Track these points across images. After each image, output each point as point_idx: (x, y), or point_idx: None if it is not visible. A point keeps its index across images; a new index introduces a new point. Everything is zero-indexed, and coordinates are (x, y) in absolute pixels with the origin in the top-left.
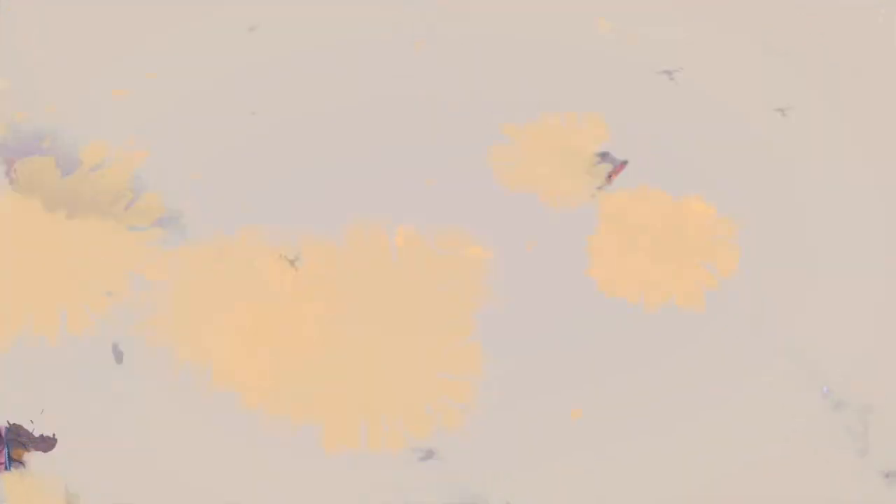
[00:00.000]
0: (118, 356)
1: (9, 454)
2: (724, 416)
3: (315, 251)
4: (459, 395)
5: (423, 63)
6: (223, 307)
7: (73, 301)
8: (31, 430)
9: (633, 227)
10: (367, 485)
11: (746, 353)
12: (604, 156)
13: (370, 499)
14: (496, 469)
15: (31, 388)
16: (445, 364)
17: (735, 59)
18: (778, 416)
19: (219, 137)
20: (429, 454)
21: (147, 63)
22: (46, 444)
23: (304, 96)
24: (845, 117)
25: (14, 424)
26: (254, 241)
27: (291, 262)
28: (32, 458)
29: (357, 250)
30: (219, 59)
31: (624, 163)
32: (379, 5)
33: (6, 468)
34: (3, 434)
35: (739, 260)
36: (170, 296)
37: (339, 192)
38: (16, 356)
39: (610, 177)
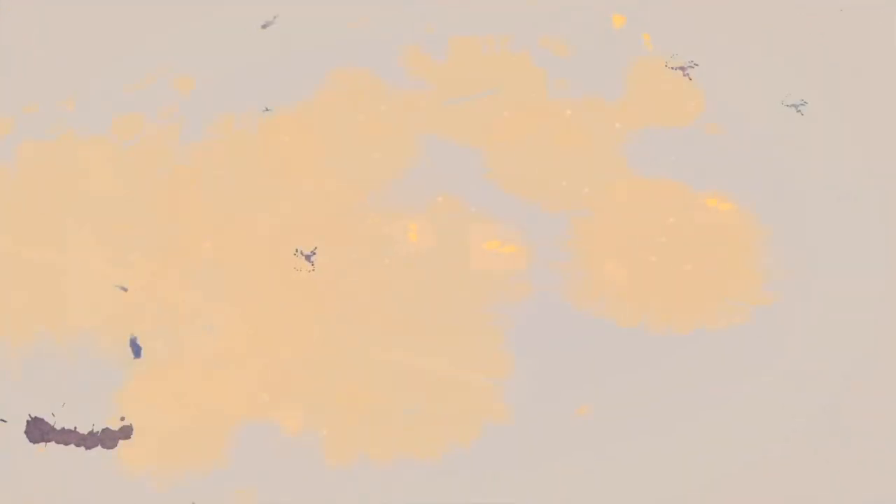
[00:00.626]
0: (136, 351)
1: None
2: (724, 416)
3: (329, 247)
4: (484, 400)
5: (425, 62)
6: (237, 303)
7: (86, 296)
8: (53, 423)
9: (647, 222)
10: (367, 484)
11: (746, 353)
12: None
13: (370, 498)
14: (497, 469)
15: (51, 383)
16: (468, 366)
17: (736, 58)
18: (778, 416)
19: (230, 134)
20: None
21: (156, 61)
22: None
23: (312, 94)
24: (845, 117)
25: (36, 418)
26: (269, 238)
27: (307, 258)
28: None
29: (370, 246)
30: (232, 58)
31: None
32: (379, 5)
33: None
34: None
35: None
36: (184, 291)
37: (350, 187)
38: (34, 351)
39: None
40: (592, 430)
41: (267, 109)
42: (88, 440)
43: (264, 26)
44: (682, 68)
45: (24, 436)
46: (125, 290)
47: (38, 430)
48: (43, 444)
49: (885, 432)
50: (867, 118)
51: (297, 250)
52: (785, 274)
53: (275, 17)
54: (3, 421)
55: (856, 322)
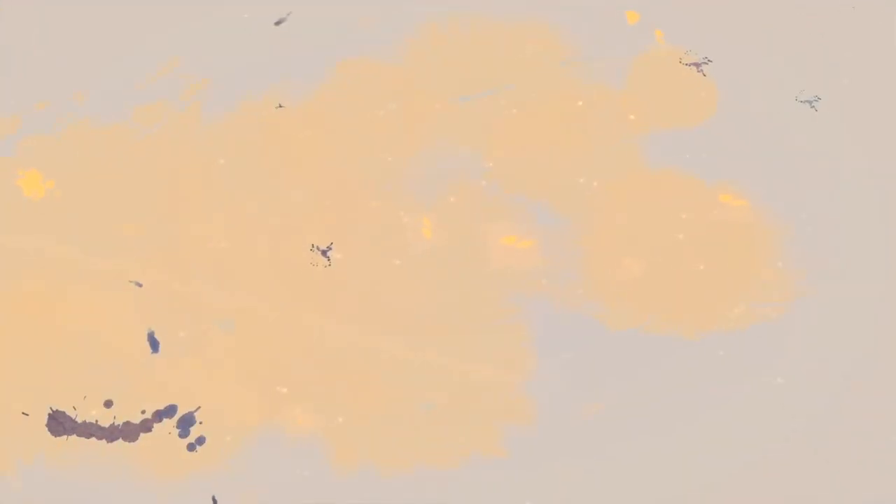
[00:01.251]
0: (154, 345)
1: None
2: (724, 416)
3: (345, 242)
4: (504, 400)
5: (437, 58)
6: (253, 298)
7: (102, 292)
8: (74, 417)
9: (660, 219)
10: (380, 484)
11: (746, 353)
12: None
13: (385, 497)
14: (497, 469)
15: (71, 377)
16: (487, 364)
17: (749, 54)
18: (778, 416)
19: (244, 130)
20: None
21: (162, 58)
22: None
23: (324, 91)
24: (844, 117)
25: (57, 411)
26: (285, 233)
27: (323, 253)
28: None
29: (385, 243)
30: (241, 55)
31: None
32: (381, 5)
33: None
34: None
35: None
36: (199, 286)
37: (363, 184)
38: (53, 346)
39: None
40: (592, 430)
41: (280, 106)
42: (109, 433)
43: (278, 23)
44: (696, 64)
45: (46, 429)
46: (140, 285)
47: (59, 424)
48: (64, 437)
49: (885, 432)
50: (867, 118)
51: (313, 246)
52: (786, 275)
53: (288, 14)
54: (25, 414)
55: (856, 322)
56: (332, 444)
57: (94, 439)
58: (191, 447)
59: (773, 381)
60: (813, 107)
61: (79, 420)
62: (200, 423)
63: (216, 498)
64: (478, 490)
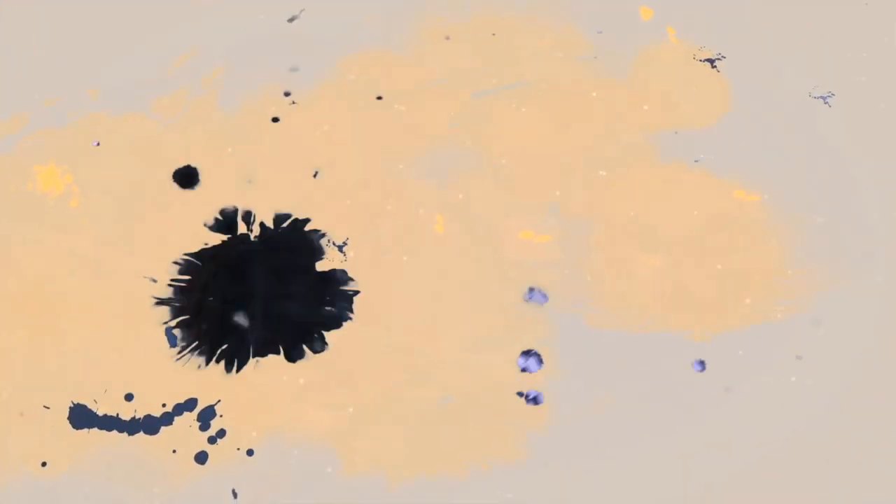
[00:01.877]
0: (172, 340)
1: None
2: (724, 416)
3: (360, 238)
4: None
5: (446, 55)
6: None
7: (118, 287)
8: (95, 410)
9: (672, 215)
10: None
11: (746, 353)
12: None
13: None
14: (497, 468)
15: (91, 371)
16: (504, 361)
17: (751, 54)
18: (778, 417)
19: (258, 130)
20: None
21: (170, 56)
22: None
23: (334, 88)
24: (844, 117)
25: (78, 404)
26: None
27: (339, 248)
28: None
29: (397, 239)
30: (253, 51)
31: None
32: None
33: None
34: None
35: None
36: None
37: (374, 180)
38: (73, 341)
39: None
40: (591, 431)
41: (294, 103)
42: (130, 426)
43: (291, 20)
44: (709, 60)
45: (68, 422)
46: (155, 281)
47: (81, 417)
48: (86, 430)
49: (885, 432)
50: (866, 118)
51: (329, 241)
52: (791, 274)
53: (301, 11)
54: (46, 408)
55: (856, 322)
56: (347, 440)
57: (115, 432)
58: (211, 440)
59: (772, 381)
60: (826, 103)
61: (100, 413)
62: (220, 416)
63: (236, 491)
64: (478, 490)
